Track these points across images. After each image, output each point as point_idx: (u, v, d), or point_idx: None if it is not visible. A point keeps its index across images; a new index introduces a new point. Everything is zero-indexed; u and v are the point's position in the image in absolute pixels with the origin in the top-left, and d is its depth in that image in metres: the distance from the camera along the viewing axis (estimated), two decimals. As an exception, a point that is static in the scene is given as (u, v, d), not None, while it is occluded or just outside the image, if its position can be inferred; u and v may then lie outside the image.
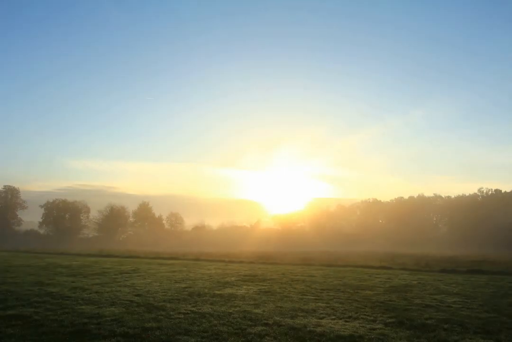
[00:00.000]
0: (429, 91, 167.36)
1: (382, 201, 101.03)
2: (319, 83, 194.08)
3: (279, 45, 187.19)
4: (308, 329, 7.38)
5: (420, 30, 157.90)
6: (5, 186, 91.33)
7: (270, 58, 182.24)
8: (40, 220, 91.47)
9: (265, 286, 13.24)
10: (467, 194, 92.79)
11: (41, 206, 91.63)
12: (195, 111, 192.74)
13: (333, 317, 8.48)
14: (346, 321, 8.09)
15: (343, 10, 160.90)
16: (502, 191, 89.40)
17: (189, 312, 8.77)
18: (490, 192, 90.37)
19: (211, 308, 9.27)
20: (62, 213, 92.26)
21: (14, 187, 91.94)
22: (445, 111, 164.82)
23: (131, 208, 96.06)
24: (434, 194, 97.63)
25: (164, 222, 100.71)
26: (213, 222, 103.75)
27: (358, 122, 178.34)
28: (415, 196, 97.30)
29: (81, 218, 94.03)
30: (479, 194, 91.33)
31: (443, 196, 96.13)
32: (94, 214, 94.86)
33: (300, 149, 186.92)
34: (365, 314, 8.74)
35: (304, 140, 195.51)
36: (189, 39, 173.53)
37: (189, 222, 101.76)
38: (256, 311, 8.95)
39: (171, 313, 8.64)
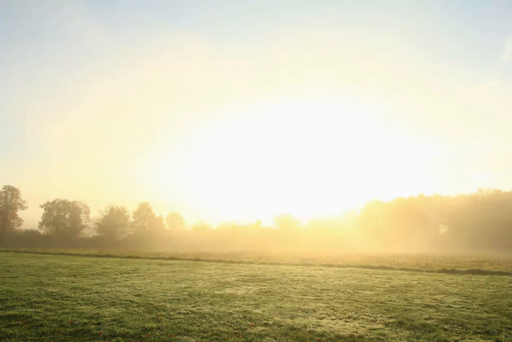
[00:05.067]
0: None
1: (382, 201, 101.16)
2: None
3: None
4: (308, 329, 7.38)
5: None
6: (5, 186, 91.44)
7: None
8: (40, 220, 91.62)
9: (265, 286, 13.24)
10: (467, 194, 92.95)
11: (41, 206, 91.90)
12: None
13: (333, 317, 8.48)
14: (346, 321, 8.09)
15: None
16: (502, 191, 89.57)
17: (189, 312, 8.78)
18: (490, 192, 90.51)
19: (211, 308, 9.27)
20: (62, 213, 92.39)
21: (14, 187, 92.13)
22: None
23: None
24: (434, 194, 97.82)
25: (164, 222, 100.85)
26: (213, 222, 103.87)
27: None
28: (415, 196, 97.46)
29: (81, 218, 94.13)
30: (479, 193, 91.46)
31: (443, 196, 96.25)
32: (94, 214, 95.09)
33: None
34: (365, 314, 8.73)
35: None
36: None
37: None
38: (256, 311, 8.95)
39: (171, 313, 8.64)
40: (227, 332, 7.10)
